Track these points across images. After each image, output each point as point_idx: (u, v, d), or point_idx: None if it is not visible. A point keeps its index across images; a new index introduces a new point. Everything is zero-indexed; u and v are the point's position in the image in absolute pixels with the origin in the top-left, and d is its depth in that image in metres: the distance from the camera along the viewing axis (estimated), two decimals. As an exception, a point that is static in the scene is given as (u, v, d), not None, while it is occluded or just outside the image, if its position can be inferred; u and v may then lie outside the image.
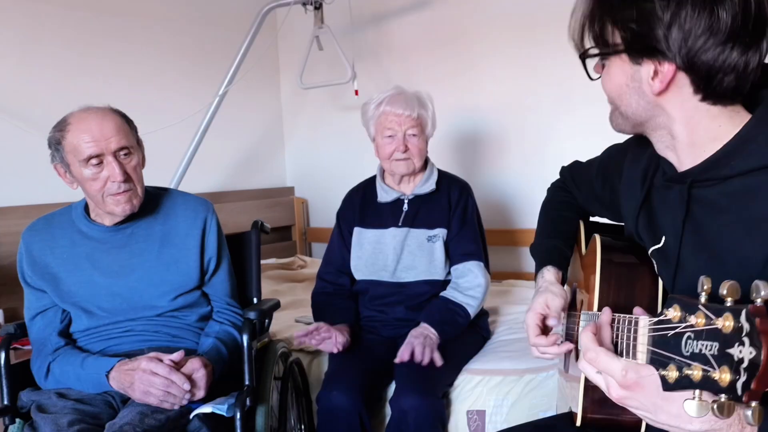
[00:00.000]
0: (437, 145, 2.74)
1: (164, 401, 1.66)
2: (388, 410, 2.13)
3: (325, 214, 4.35)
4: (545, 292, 1.44)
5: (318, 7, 3.45)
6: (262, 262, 2.48)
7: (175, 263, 1.91)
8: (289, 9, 3.56)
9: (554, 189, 1.71)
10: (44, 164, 1.89)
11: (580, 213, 1.63)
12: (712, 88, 1.01)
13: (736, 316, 0.70)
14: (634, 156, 1.30)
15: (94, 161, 1.77)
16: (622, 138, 1.34)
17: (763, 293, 0.69)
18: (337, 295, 2.46)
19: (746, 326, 0.69)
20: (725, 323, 0.71)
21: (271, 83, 4.41)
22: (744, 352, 0.68)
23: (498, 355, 2.35)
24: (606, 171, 1.45)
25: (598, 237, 1.37)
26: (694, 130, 1.05)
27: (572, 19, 1.12)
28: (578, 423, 1.28)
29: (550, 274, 1.50)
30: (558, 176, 1.73)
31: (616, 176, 1.39)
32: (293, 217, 4.40)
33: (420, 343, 2.12)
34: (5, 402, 1.82)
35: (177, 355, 1.72)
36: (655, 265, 1.23)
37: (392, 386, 2.16)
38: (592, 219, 1.65)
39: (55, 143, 1.80)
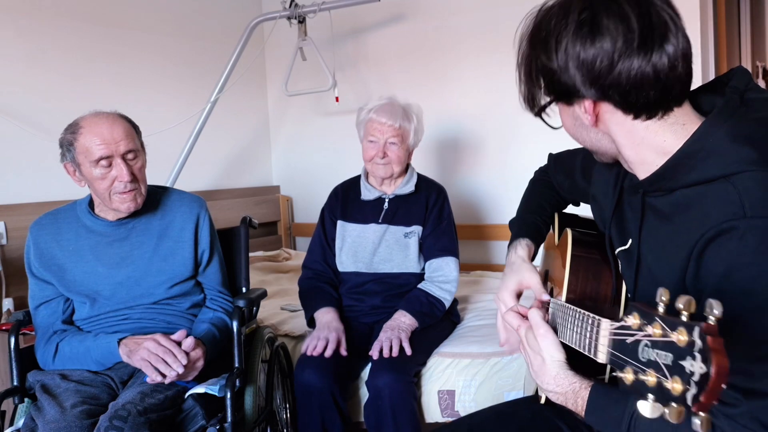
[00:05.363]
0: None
1: (157, 368, 1.67)
2: (365, 391, 2.13)
3: (308, 211, 4.35)
4: (519, 270, 1.38)
5: (302, 21, 3.45)
6: (250, 254, 2.46)
7: (171, 255, 1.91)
8: (275, 23, 3.57)
9: (540, 172, 1.66)
10: (51, 165, 1.87)
11: (560, 197, 1.60)
12: (636, 105, 0.97)
13: (690, 332, 0.69)
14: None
15: (104, 162, 1.77)
16: None
17: (716, 312, 0.68)
18: (322, 280, 2.44)
19: (699, 342, 0.68)
20: (679, 337, 0.70)
21: (258, 90, 4.38)
22: (695, 366, 0.67)
23: (467, 340, 2.37)
24: (586, 163, 1.40)
25: (569, 231, 1.34)
26: (641, 150, 1.02)
27: (520, 88, 1.13)
28: (542, 401, 1.29)
29: (522, 249, 1.44)
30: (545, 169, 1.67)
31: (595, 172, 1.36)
32: (279, 213, 4.37)
33: (387, 339, 2.13)
34: (15, 383, 1.82)
35: (179, 335, 1.75)
36: (620, 265, 1.21)
37: (368, 368, 2.15)
38: (567, 210, 1.62)
39: (68, 144, 1.80)
